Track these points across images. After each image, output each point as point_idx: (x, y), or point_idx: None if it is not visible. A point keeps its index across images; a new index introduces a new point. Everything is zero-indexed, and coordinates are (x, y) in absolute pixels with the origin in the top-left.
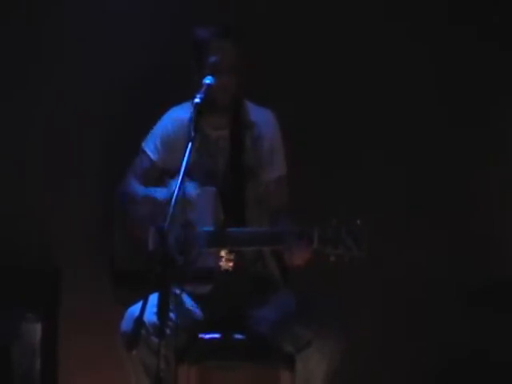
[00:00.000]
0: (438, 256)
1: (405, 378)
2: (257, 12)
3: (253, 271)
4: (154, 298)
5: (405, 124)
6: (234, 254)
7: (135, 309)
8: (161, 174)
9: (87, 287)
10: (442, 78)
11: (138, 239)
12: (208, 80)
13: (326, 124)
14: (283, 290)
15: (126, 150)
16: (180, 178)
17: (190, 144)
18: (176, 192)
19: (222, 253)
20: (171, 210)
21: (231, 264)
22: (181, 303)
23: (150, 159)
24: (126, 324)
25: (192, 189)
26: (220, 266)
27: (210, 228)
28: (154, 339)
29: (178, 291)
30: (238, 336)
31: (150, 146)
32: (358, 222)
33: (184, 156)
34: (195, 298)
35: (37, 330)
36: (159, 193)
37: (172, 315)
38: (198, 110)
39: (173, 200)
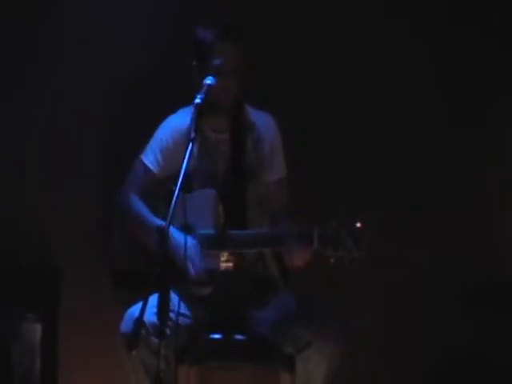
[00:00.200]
0: (437, 256)
1: (405, 378)
2: (257, 12)
3: (253, 272)
4: (153, 299)
5: (405, 124)
6: (234, 256)
7: (135, 309)
8: (161, 185)
9: (87, 287)
10: (442, 78)
11: (138, 239)
12: (209, 81)
13: (326, 124)
14: (283, 291)
15: (125, 150)
16: (180, 179)
17: (190, 144)
18: (176, 194)
19: (222, 254)
20: (171, 212)
21: (231, 265)
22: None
23: (150, 171)
24: (126, 324)
25: (177, 234)
26: (220, 267)
27: (210, 230)
28: (154, 339)
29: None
30: (238, 337)
31: (150, 158)
32: (359, 224)
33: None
34: (195, 298)
35: (37, 329)
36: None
37: (172, 315)
38: (199, 110)
39: (172, 202)
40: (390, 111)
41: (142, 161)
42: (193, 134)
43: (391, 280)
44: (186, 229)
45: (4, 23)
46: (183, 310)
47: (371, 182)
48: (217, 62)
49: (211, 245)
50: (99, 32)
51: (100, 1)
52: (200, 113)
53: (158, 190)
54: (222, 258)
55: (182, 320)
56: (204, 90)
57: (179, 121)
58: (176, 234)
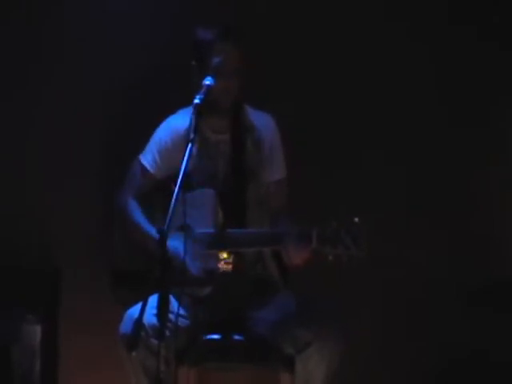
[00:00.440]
0: (437, 256)
1: (405, 378)
2: (257, 12)
3: (253, 273)
4: (153, 300)
5: (405, 124)
6: (234, 256)
7: (134, 310)
8: (160, 184)
9: (87, 287)
10: (442, 78)
11: (137, 242)
12: (208, 81)
13: (326, 124)
14: (283, 291)
15: (125, 150)
16: (179, 179)
17: (189, 145)
18: (175, 194)
19: (222, 255)
20: (170, 212)
21: (231, 266)
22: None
23: (148, 171)
24: (126, 325)
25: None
26: (220, 268)
27: (209, 230)
28: (154, 341)
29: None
30: (238, 337)
31: (148, 159)
32: (357, 220)
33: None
34: (195, 299)
35: (37, 330)
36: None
37: (171, 317)
38: (198, 110)
39: (172, 202)
40: (389, 111)
41: (139, 161)
42: (192, 135)
43: (391, 280)
44: (185, 229)
45: (4, 23)
46: (182, 311)
47: (371, 182)
48: (216, 61)
49: (210, 244)
50: (99, 32)
51: (100, 1)
52: (199, 113)
53: (156, 195)
54: (222, 259)
55: (181, 321)
56: (203, 90)
57: (178, 121)
58: (173, 243)
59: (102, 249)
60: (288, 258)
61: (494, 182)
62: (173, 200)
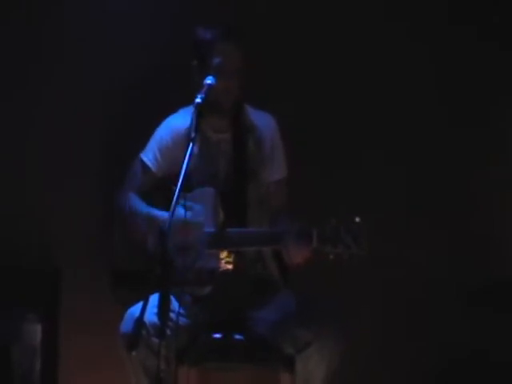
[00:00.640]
0: (437, 256)
1: (405, 378)
2: (257, 12)
3: (253, 272)
4: (154, 299)
5: (405, 124)
6: (234, 255)
7: (135, 309)
8: (160, 183)
9: (87, 287)
10: (442, 78)
11: (138, 239)
12: (209, 80)
13: (326, 124)
14: (283, 291)
15: (126, 150)
16: (180, 179)
17: (190, 144)
18: (176, 194)
19: (222, 254)
20: (171, 212)
21: (231, 265)
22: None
23: (149, 169)
24: (126, 325)
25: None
26: (220, 268)
27: (209, 229)
28: (155, 340)
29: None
30: (238, 337)
31: (149, 157)
32: (357, 219)
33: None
34: (195, 299)
35: (37, 330)
36: (160, 214)
37: (172, 315)
38: (199, 110)
39: (173, 202)
40: (389, 111)
41: (141, 159)
42: (193, 134)
43: (391, 280)
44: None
45: (4, 23)
46: (183, 310)
47: (371, 182)
48: (217, 61)
49: (211, 243)
50: (99, 32)
51: (100, 1)
52: (200, 112)
53: (157, 194)
54: (222, 258)
55: (182, 320)
56: (204, 89)
57: (179, 121)
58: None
59: (102, 249)
60: (288, 256)
61: (494, 182)
62: (174, 199)
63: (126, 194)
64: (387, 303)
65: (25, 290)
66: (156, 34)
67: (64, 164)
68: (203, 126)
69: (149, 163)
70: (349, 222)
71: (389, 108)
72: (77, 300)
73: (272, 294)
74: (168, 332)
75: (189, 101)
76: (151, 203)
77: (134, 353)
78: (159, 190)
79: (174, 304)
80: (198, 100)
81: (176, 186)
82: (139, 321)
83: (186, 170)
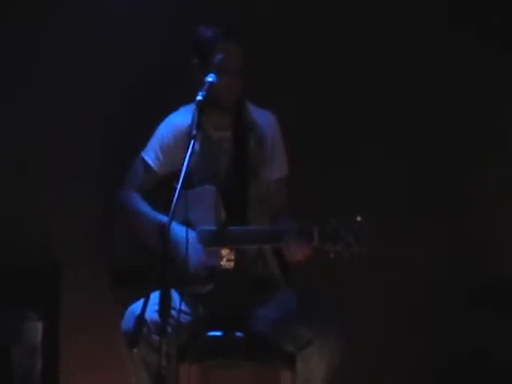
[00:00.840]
0: (437, 256)
1: (405, 378)
2: (257, 12)
3: (253, 271)
4: (155, 296)
5: (405, 124)
6: (235, 254)
7: (136, 307)
8: (162, 182)
9: (87, 287)
10: (442, 78)
11: (138, 237)
12: (210, 78)
13: (326, 124)
14: (284, 289)
15: (126, 150)
16: (181, 177)
17: (191, 142)
18: (178, 190)
19: (223, 252)
20: (172, 208)
21: (232, 263)
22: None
23: (151, 168)
24: (127, 322)
25: (179, 228)
26: (221, 265)
27: (210, 227)
28: (156, 337)
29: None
30: (239, 335)
31: (151, 155)
32: (359, 218)
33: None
34: (196, 296)
35: (37, 330)
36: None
37: (173, 313)
38: (200, 107)
39: (174, 199)
40: (389, 111)
41: (142, 158)
42: (194, 131)
43: (391, 280)
44: (187, 225)
45: (4, 23)
46: (184, 307)
47: (371, 182)
48: (219, 58)
49: (212, 241)
50: (99, 32)
51: (100, 1)
52: (201, 110)
53: (158, 192)
54: (223, 256)
55: (183, 317)
56: (206, 87)
57: (180, 119)
58: (178, 228)
59: (102, 249)
60: (289, 254)
61: (494, 182)
62: (175, 197)
63: (127, 193)
64: (387, 303)
65: (25, 290)
66: (156, 34)
67: (64, 164)
68: (205, 124)
69: (150, 162)
70: (350, 221)
71: (389, 108)
72: (77, 300)
73: (273, 292)
74: (169, 329)
75: (189, 101)
76: (153, 202)
77: (135, 350)
78: (161, 188)
79: (175, 301)
80: (200, 97)
81: (177, 183)
82: (140, 318)
83: (187, 168)
